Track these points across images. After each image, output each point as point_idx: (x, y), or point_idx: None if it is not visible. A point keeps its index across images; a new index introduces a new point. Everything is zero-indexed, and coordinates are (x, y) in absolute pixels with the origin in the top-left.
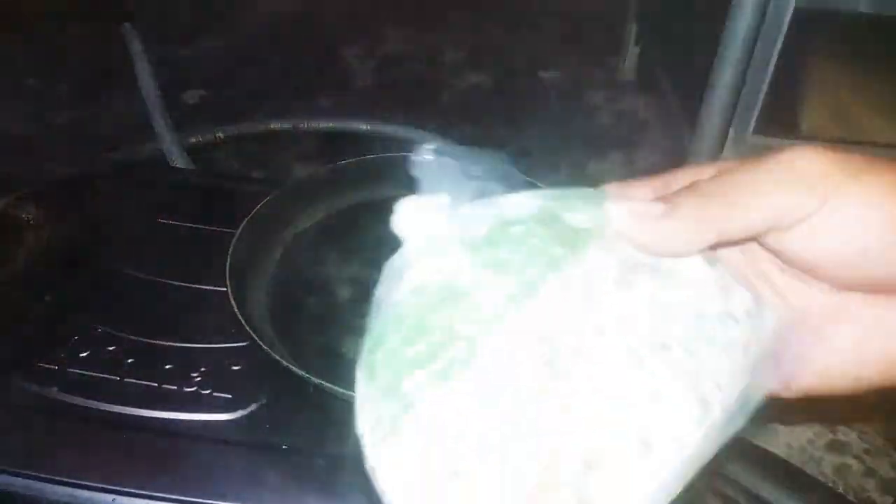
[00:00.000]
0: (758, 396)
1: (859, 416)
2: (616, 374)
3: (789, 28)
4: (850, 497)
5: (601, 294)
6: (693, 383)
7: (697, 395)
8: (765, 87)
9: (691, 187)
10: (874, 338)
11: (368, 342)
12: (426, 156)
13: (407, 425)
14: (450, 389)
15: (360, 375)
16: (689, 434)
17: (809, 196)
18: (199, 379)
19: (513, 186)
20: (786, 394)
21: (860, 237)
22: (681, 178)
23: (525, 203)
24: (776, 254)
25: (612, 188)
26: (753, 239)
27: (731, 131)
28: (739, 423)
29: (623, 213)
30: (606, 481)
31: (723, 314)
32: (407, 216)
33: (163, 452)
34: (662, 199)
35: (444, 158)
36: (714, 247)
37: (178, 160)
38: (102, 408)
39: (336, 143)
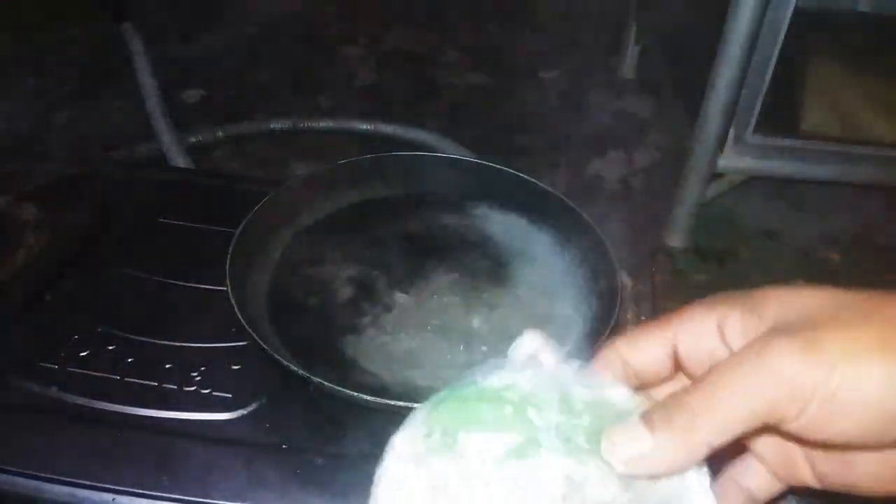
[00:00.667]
0: None
1: None
2: None
3: (789, 28)
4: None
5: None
6: None
7: None
8: (765, 87)
9: (673, 404)
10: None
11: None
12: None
13: None
14: None
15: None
16: None
17: (792, 399)
18: (199, 378)
19: None
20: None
21: (870, 408)
22: (647, 339)
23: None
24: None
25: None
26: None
27: (732, 131)
28: None
29: (613, 452)
30: None
31: None
32: (527, 346)
33: (163, 452)
34: (646, 420)
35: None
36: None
37: (178, 159)
38: (102, 407)
39: (336, 143)
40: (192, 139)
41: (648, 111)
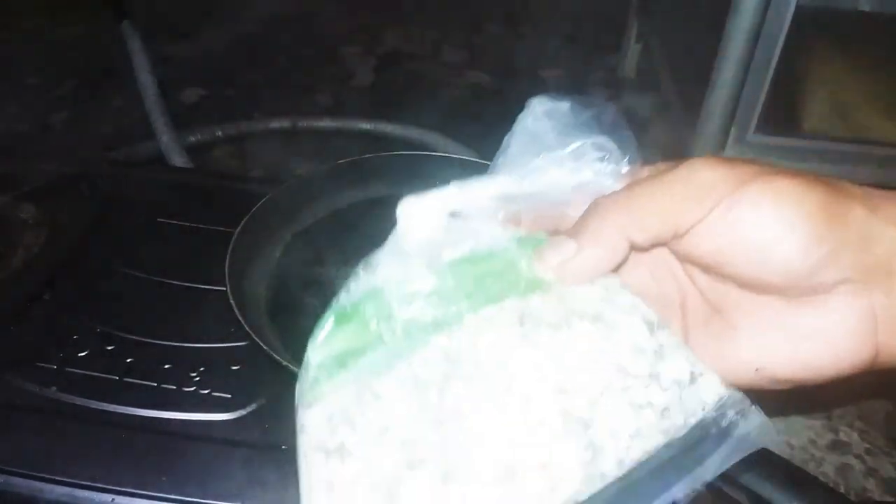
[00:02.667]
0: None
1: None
2: (502, 406)
3: (790, 26)
4: (852, 497)
5: (531, 335)
6: (581, 428)
7: (584, 439)
8: (766, 86)
9: (592, 205)
10: (779, 338)
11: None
12: (543, 102)
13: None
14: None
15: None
16: (566, 472)
17: (699, 203)
18: (198, 379)
19: (618, 138)
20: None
21: (749, 236)
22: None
23: (501, 237)
24: (685, 257)
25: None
26: (660, 245)
27: (733, 130)
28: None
29: (543, 261)
30: (459, 496)
31: (646, 376)
32: (410, 212)
33: (162, 452)
34: (570, 231)
35: (559, 104)
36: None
37: (177, 159)
38: (101, 407)
39: (335, 142)
40: (191, 138)
41: (649, 110)
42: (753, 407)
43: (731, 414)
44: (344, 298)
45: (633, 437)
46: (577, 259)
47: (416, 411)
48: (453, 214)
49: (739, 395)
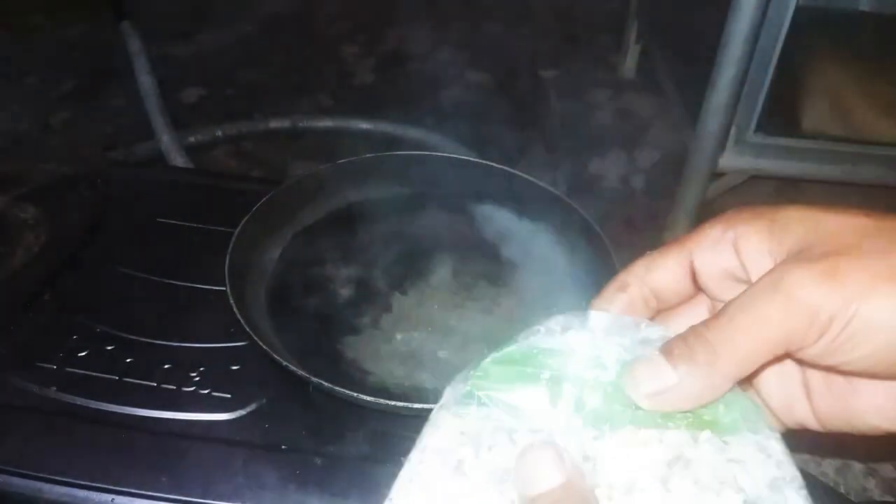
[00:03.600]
0: None
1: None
2: None
3: (790, 27)
4: (852, 497)
5: (671, 481)
6: None
7: None
8: (766, 86)
9: (693, 337)
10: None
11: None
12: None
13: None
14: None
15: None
16: None
17: (810, 326)
18: (198, 379)
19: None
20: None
21: (873, 350)
22: (651, 271)
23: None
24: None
25: (597, 307)
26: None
27: (733, 130)
28: None
29: (636, 387)
30: None
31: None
32: (600, 325)
33: (162, 452)
34: (667, 354)
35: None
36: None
37: (177, 159)
38: (101, 407)
39: (335, 142)
40: (191, 138)
41: (649, 110)
42: None
43: None
44: (529, 342)
45: None
46: (676, 393)
47: None
48: (643, 342)
49: None
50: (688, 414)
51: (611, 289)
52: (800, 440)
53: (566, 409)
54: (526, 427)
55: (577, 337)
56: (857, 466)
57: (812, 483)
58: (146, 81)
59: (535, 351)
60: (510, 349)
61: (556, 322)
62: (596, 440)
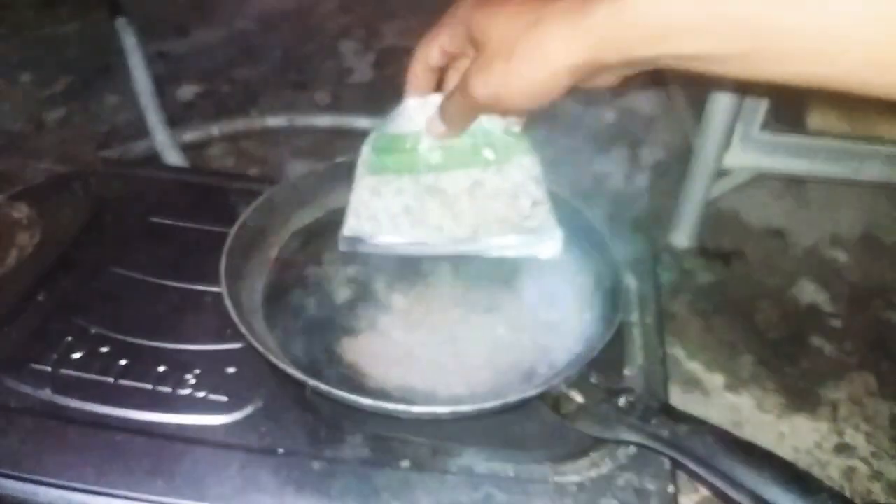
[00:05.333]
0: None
1: None
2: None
3: None
4: (857, 500)
5: (475, 191)
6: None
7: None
8: None
9: (445, 100)
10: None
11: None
12: None
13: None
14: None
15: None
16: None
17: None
18: (193, 381)
19: None
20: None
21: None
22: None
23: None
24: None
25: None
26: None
27: (738, 127)
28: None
29: (431, 132)
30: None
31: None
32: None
33: (157, 455)
34: (439, 109)
35: None
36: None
37: (173, 157)
38: (96, 410)
39: (333, 140)
40: (187, 136)
41: (654, 108)
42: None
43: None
44: (385, 127)
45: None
46: (445, 120)
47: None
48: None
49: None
50: (478, 157)
51: (412, 81)
52: None
53: (422, 162)
54: (396, 176)
55: (410, 120)
56: (863, 470)
57: (817, 486)
58: (141, 79)
59: (395, 134)
60: (383, 133)
61: (396, 113)
62: (433, 178)
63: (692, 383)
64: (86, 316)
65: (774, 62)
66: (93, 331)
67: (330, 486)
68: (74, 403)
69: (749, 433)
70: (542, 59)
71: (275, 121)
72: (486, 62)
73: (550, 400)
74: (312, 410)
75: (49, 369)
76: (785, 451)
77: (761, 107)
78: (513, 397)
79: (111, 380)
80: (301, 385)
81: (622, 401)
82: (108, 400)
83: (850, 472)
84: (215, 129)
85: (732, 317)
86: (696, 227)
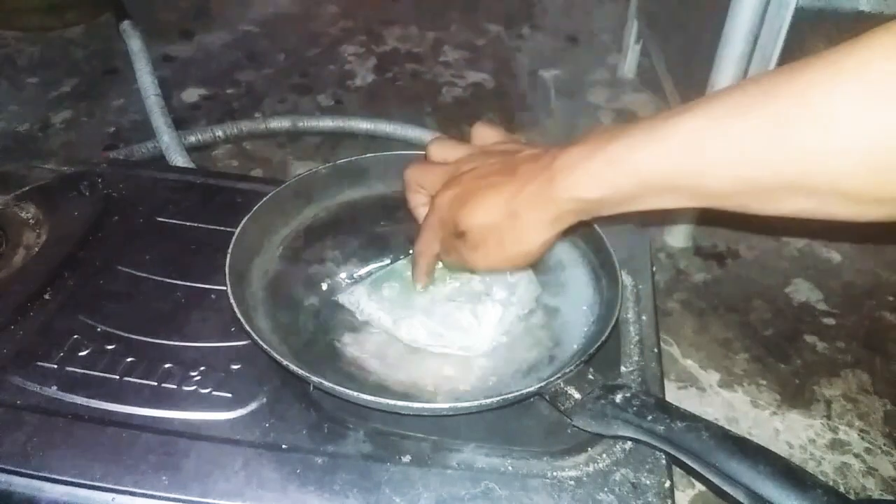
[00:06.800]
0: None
1: None
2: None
3: (790, 27)
4: (852, 496)
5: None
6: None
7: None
8: None
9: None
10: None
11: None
12: None
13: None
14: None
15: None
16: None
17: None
18: (198, 378)
19: None
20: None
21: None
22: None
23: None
24: None
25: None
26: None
27: None
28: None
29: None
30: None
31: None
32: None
33: (162, 451)
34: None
35: None
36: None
37: (178, 159)
38: (101, 406)
39: (335, 142)
40: (192, 138)
41: (649, 110)
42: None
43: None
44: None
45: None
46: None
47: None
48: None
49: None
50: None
51: (422, 279)
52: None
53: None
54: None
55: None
56: (857, 466)
57: (811, 481)
58: (147, 81)
59: (384, 273)
60: (377, 276)
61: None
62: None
63: (688, 380)
64: (92, 314)
65: (715, 199)
66: (99, 329)
67: (332, 480)
68: (80, 400)
69: (744, 429)
70: (528, 242)
71: (278, 123)
72: (479, 244)
73: (549, 396)
74: (315, 406)
75: (55, 367)
76: (779, 447)
77: None
78: (512, 394)
79: (117, 377)
80: (304, 382)
81: (619, 397)
82: (114, 397)
83: (844, 468)
84: (220, 131)
85: (727, 315)
86: (692, 228)
